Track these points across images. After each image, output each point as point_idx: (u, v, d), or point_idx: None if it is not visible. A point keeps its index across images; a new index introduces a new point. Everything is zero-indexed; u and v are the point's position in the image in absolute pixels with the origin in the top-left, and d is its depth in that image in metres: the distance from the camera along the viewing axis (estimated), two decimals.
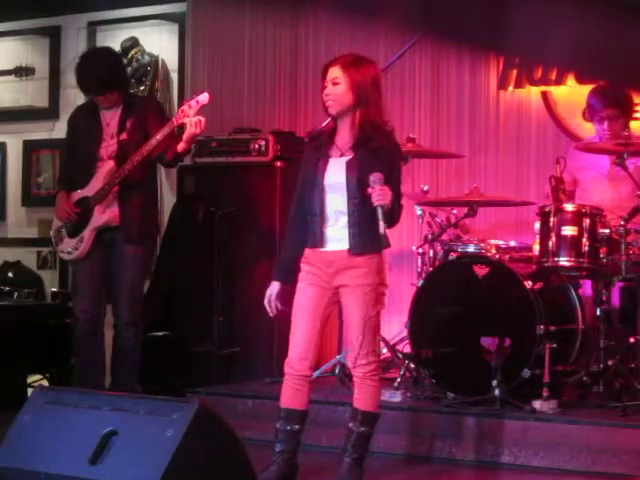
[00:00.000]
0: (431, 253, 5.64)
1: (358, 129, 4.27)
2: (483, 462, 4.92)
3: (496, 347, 5.08)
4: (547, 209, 5.23)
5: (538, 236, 5.26)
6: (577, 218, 5.17)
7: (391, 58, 5.97)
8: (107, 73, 5.74)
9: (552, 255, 5.16)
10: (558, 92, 6.40)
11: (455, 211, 5.73)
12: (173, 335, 6.66)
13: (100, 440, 3.39)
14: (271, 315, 4.42)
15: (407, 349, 5.58)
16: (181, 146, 5.70)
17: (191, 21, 7.35)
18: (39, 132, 7.87)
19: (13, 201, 8.01)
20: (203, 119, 5.63)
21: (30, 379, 6.78)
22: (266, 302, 4.40)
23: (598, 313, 5.27)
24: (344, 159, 4.28)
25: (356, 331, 4.24)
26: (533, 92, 6.47)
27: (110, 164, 5.73)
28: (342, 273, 4.25)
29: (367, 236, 4.20)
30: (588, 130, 6.07)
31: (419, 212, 5.76)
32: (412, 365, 5.47)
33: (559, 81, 6.38)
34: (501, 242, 5.59)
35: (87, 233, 5.77)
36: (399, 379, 5.44)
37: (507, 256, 5.37)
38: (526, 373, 5.02)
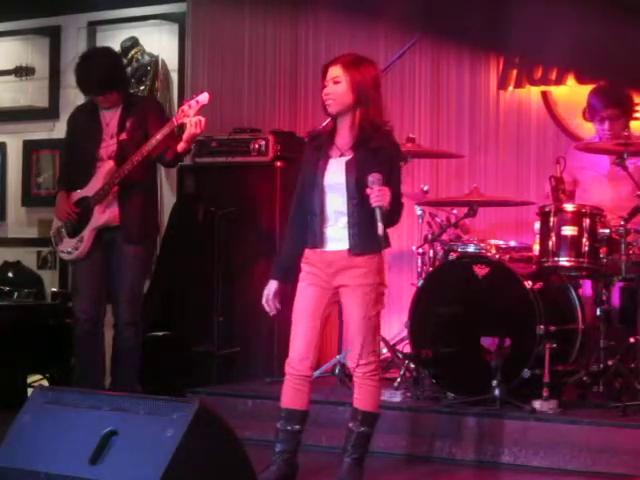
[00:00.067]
0: (431, 253, 5.64)
1: (358, 129, 4.27)
2: (483, 462, 4.92)
3: (496, 347, 5.08)
4: (547, 209, 5.23)
5: (538, 236, 5.26)
6: (577, 218, 5.16)
7: (391, 58, 5.97)
8: (107, 73, 5.74)
9: (552, 255, 5.16)
10: (558, 92, 6.40)
11: (455, 211, 5.73)
12: (173, 335, 6.66)
13: (100, 440, 3.39)
14: (271, 314, 4.41)
15: (407, 349, 5.58)
16: (181, 146, 5.70)
17: (191, 21, 7.35)
18: (39, 132, 7.88)
19: (13, 201, 8.01)
20: (203, 119, 5.63)
21: (30, 379, 6.77)
22: (264, 301, 4.39)
23: (598, 313, 5.27)
24: (344, 159, 4.28)
25: (356, 331, 4.24)
26: (533, 92, 6.47)
27: (110, 164, 5.73)
28: (342, 273, 4.26)
29: (367, 236, 4.20)
30: (588, 130, 6.07)
31: (419, 212, 5.77)
32: (412, 365, 5.47)
33: (559, 81, 6.38)
34: (501, 242, 5.59)
35: (87, 233, 5.77)
36: (399, 379, 5.44)
37: (507, 256, 5.37)
38: (526, 373, 5.02)
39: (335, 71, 4.27)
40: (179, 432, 3.29)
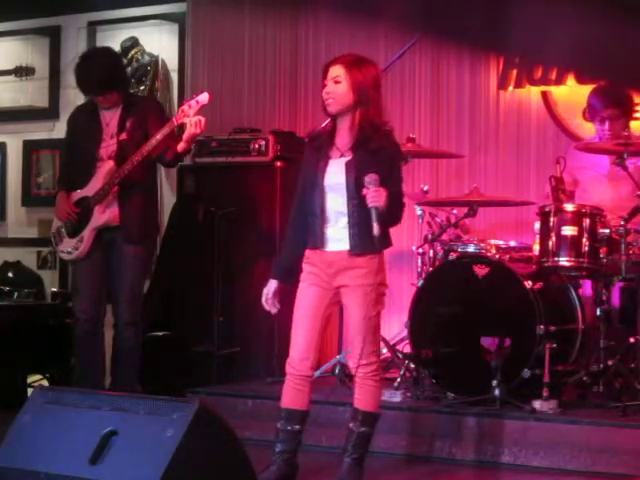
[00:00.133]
0: (431, 253, 5.64)
1: (358, 129, 4.27)
2: (483, 462, 4.92)
3: (496, 347, 5.08)
4: (547, 209, 5.23)
5: (538, 236, 5.26)
6: (577, 218, 5.16)
7: (391, 58, 5.97)
8: (107, 73, 5.74)
9: (552, 255, 5.16)
10: (558, 92, 6.40)
11: (455, 211, 5.73)
12: (173, 335, 6.66)
13: (100, 440, 3.39)
14: (273, 313, 4.41)
15: (407, 349, 5.58)
16: (181, 146, 5.70)
17: (191, 21, 7.35)
18: (39, 132, 7.88)
19: (13, 201, 8.01)
20: (203, 119, 5.63)
21: (30, 379, 6.77)
22: (263, 300, 4.39)
23: (598, 313, 5.27)
24: (343, 160, 4.28)
25: (357, 331, 4.24)
26: (533, 92, 6.47)
27: (110, 164, 5.73)
28: (343, 273, 4.26)
29: (367, 237, 4.19)
30: (588, 130, 6.07)
31: (419, 212, 5.77)
32: (412, 365, 5.47)
33: (559, 81, 6.37)
34: (501, 242, 5.59)
35: (87, 233, 5.77)
36: (399, 379, 5.44)
37: (507, 256, 5.37)
38: (526, 373, 5.02)
39: (336, 71, 4.27)
40: (179, 432, 3.29)
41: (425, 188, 5.81)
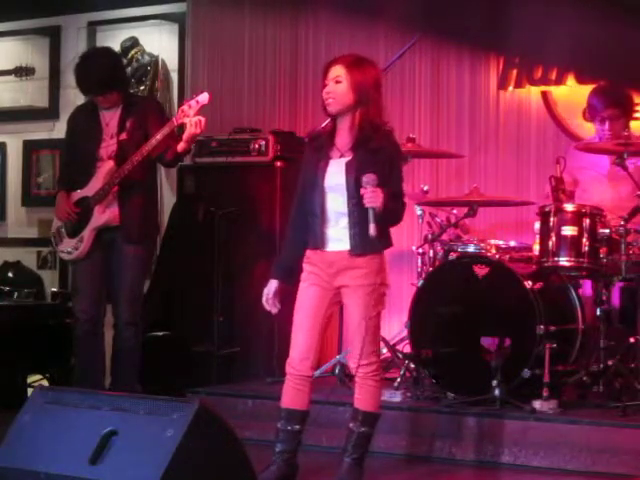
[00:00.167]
0: (431, 253, 5.64)
1: (358, 129, 4.27)
2: (483, 462, 4.92)
3: (496, 347, 5.08)
4: (547, 209, 5.23)
5: (538, 236, 5.26)
6: (577, 218, 5.16)
7: (391, 58, 5.97)
8: (107, 73, 5.73)
9: (552, 255, 5.16)
10: (558, 92, 6.40)
11: (455, 211, 5.73)
12: (173, 335, 6.66)
13: (100, 440, 3.39)
14: (273, 312, 4.41)
15: (407, 349, 5.58)
16: (181, 146, 5.70)
17: (191, 21, 7.35)
18: (39, 132, 7.88)
19: (13, 201, 8.01)
20: (203, 119, 5.63)
21: (30, 379, 6.77)
22: (264, 300, 4.39)
23: (598, 313, 5.27)
24: (344, 160, 4.28)
25: (357, 331, 4.24)
26: (533, 92, 6.47)
27: (110, 164, 5.73)
28: (343, 273, 4.26)
29: (368, 237, 4.20)
30: (588, 130, 6.07)
31: (419, 212, 5.77)
32: (412, 365, 5.47)
33: (559, 81, 6.37)
34: (501, 242, 5.59)
35: (87, 233, 5.77)
36: (399, 379, 5.44)
37: (507, 256, 5.37)
38: (526, 373, 5.02)
39: (337, 70, 4.27)
40: (179, 432, 3.29)
41: (425, 188, 5.81)
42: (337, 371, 5.64)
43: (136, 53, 7.53)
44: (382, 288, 4.29)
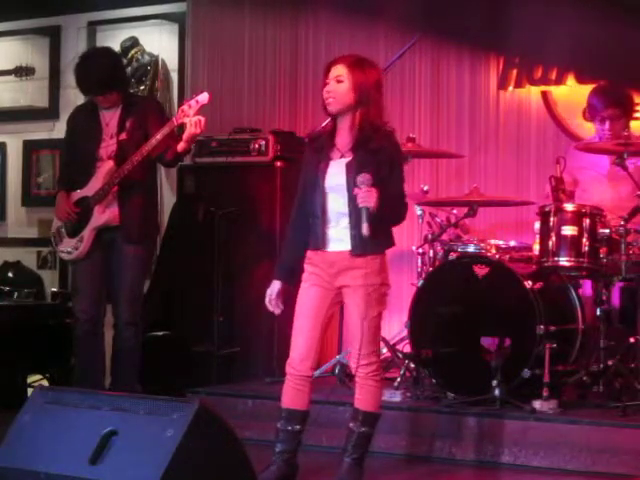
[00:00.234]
0: (431, 253, 5.64)
1: (358, 130, 4.26)
2: (483, 462, 4.92)
3: (496, 347, 5.07)
4: (547, 209, 5.23)
5: (538, 236, 5.26)
6: (577, 218, 5.16)
7: (391, 58, 5.97)
8: (107, 73, 5.73)
9: (552, 255, 5.16)
10: (558, 92, 6.40)
11: (455, 211, 5.73)
12: (173, 335, 6.66)
13: (100, 440, 3.39)
14: (276, 313, 4.41)
15: (407, 349, 5.58)
16: (181, 146, 5.70)
17: (191, 21, 7.35)
18: (39, 132, 7.88)
19: (13, 201, 8.01)
20: (203, 119, 5.63)
21: (30, 379, 6.77)
22: (267, 301, 4.40)
23: (598, 313, 5.27)
24: (344, 161, 4.27)
25: (358, 331, 4.24)
26: (533, 92, 6.47)
27: (110, 164, 5.73)
28: (344, 274, 4.25)
29: (368, 237, 4.19)
30: (588, 130, 6.07)
31: (419, 212, 5.77)
32: (412, 365, 5.47)
33: (559, 81, 6.37)
34: (501, 242, 5.59)
35: (87, 233, 5.77)
36: (399, 379, 5.44)
37: (507, 256, 5.37)
38: (526, 373, 5.02)
39: (338, 70, 4.27)
40: (179, 432, 3.29)
41: (425, 188, 5.81)
42: (337, 371, 5.64)
43: (136, 53, 7.54)
44: (383, 288, 4.29)
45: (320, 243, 4.29)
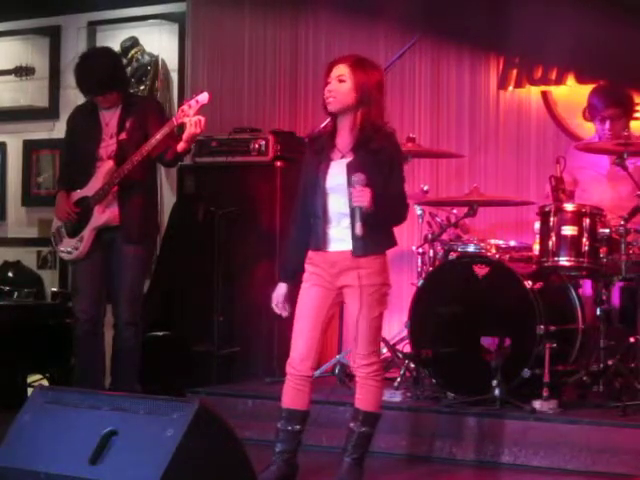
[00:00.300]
0: (431, 253, 5.64)
1: (359, 130, 4.26)
2: (483, 462, 4.92)
3: (496, 347, 5.07)
4: (547, 209, 5.22)
5: (538, 236, 5.25)
6: (577, 218, 5.16)
7: (391, 58, 5.97)
8: (107, 73, 5.73)
9: (552, 255, 5.16)
10: (558, 92, 6.40)
11: (455, 211, 5.73)
12: (173, 335, 6.66)
13: (100, 440, 3.39)
14: (284, 316, 4.41)
15: (407, 349, 5.58)
16: (181, 146, 5.69)
17: (191, 21, 7.35)
18: (39, 132, 7.87)
19: (13, 201, 8.01)
20: (203, 119, 5.63)
21: (30, 379, 6.77)
22: (274, 304, 4.40)
23: (598, 313, 5.27)
24: (345, 161, 4.27)
25: (359, 331, 4.24)
26: (533, 92, 6.47)
27: (109, 164, 5.73)
28: (346, 274, 4.25)
29: (370, 237, 4.20)
30: (588, 130, 6.07)
31: (419, 212, 5.77)
32: (412, 365, 5.47)
33: (559, 81, 6.37)
34: (501, 242, 5.59)
35: (87, 233, 5.77)
36: (399, 379, 5.44)
37: (507, 256, 5.37)
38: (526, 373, 5.02)
39: (341, 69, 4.27)
40: (179, 432, 3.29)
41: (425, 188, 5.81)
42: (337, 371, 5.64)
43: (136, 53, 7.53)
44: (384, 288, 4.29)
45: (321, 243, 4.29)
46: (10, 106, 7.94)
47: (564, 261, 5.17)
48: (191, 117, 5.59)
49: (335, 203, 4.27)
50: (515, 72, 6.48)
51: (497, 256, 5.29)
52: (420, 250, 5.68)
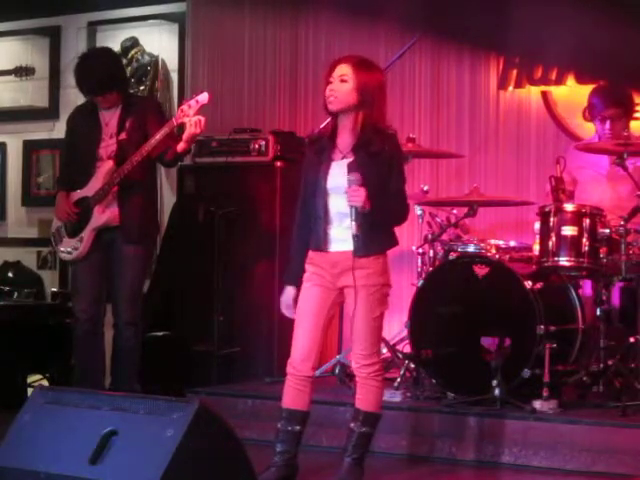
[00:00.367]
0: (431, 253, 5.64)
1: (359, 130, 4.26)
2: (483, 462, 4.92)
3: (496, 347, 5.07)
4: (547, 209, 5.22)
5: (538, 236, 5.26)
6: (577, 218, 5.16)
7: (391, 58, 5.97)
8: (106, 73, 5.74)
9: (552, 255, 5.16)
10: (558, 92, 6.40)
11: (455, 211, 5.73)
12: (173, 335, 6.66)
13: (100, 440, 3.39)
14: (294, 319, 4.40)
15: (407, 349, 5.58)
16: (181, 146, 5.70)
17: (191, 21, 7.35)
18: (39, 132, 7.88)
19: (13, 201, 8.01)
20: (203, 119, 5.63)
21: (30, 379, 6.77)
22: (284, 308, 4.39)
23: (598, 313, 5.27)
24: (345, 161, 4.27)
25: (359, 331, 4.24)
26: (533, 92, 6.47)
27: (109, 164, 5.73)
28: (347, 274, 4.24)
29: (370, 237, 4.20)
30: (588, 130, 6.07)
31: (419, 212, 5.76)
32: (412, 365, 5.47)
33: (559, 81, 6.38)
34: (501, 242, 5.59)
35: (87, 233, 5.77)
36: (399, 379, 5.44)
37: (507, 256, 5.37)
38: (526, 373, 5.02)
39: (343, 69, 4.26)
40: (179, 432, 3.29)
41: (425, 188, 5.81)
42: (337, 371, 5.64)
43: (136, 53, 7.53)
44: (385, 289, 4.29)
45: (322, 243, 4.29)
46: (10, 106, 7.94)
47: (564, 261, 5.17)
48: (191, 117, 5.59)
49: (336, 203, 4.27)
50: (515, 72, 6.49)
51: (497, 256, 5.29)
52: (420, 250, 5.68)
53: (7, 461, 3.54)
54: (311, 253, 4.33)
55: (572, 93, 6.33)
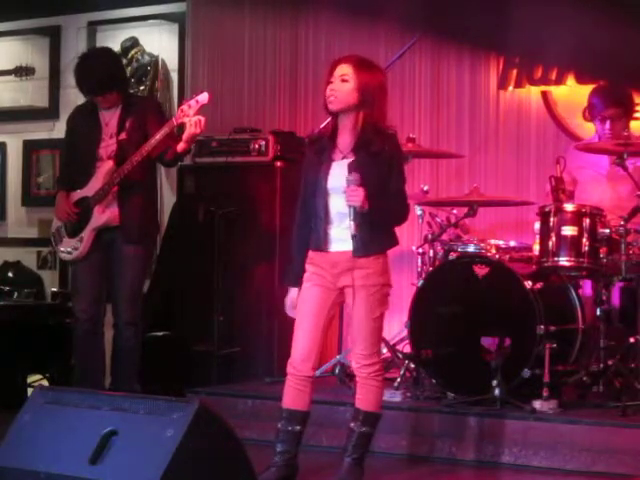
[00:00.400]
0: (431, 253, 5.64)
1: (360, 130, 4.26)
2: (483, 462, 4.92)
3: (496, 347, 5.08)
4: (547, 209, 5.22)
5: (538, 236, 5.25)
6: (577, 218, 5.16)
7: (391, 58, 5.97)
8: (106, 73, 5.74)
9: (552, 255, 5.16)
10: (558, 92, 6.40)
11: (455, 211, 5.73)
12: (173, 335, 6.66)
13: (100, 440, 3.39)
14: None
15: (407, 349, 5.58)
16: (181, 146, 5.70)
17: (191, 21, 7.35)
18: (39, 132, 7.88)
19: (13, 201, 8.01)
20: (203, 119, 5.63)
21: (30, 379, 6.77)
22: (288, 309, 4.39)
23: (598, 313, 5.27)
24: (346, 161, 4.27)
25: (360, 331, 4.24)
26: (533, 92, 6.47)
27: (109, 164, 5.73)
28: (347, 274, 4.24)
29: (370, 238, 4.20)
30: (588, 130, 6.07)
31: (419, 212, 5.76)
32: (412, 365, 5.47)
33: (559, 81, 6.38)
34: (501, 242, 5.59)
35: (87, 233, 5.77)
36: (399, 379, 5.44)
37: (507, 256, 5.37)
38: (526, 373, 5.02)
39: (344, 69, 4.26)
40: (179, 432, 3.29)
41: (425, 188, 5.81)
42: (337, 371, 5.64)
43: (136, 53, 7.53)
44: (385, 289, 4.29)
45: (322, 243, 4.29)
46: (10, 106, 7.94)
47: (564, 261, 5.17)
48: (191, 117, 5.59)
49: (336, 203, 4.27)
50: (515, 72, 6.49)
51: (497, 256, 5.29)
52: (420, 250, 5.68)
53: (7, 461, 3.54)
54: (311, 253, 4.33)
55: (572, 93, 6.33)
